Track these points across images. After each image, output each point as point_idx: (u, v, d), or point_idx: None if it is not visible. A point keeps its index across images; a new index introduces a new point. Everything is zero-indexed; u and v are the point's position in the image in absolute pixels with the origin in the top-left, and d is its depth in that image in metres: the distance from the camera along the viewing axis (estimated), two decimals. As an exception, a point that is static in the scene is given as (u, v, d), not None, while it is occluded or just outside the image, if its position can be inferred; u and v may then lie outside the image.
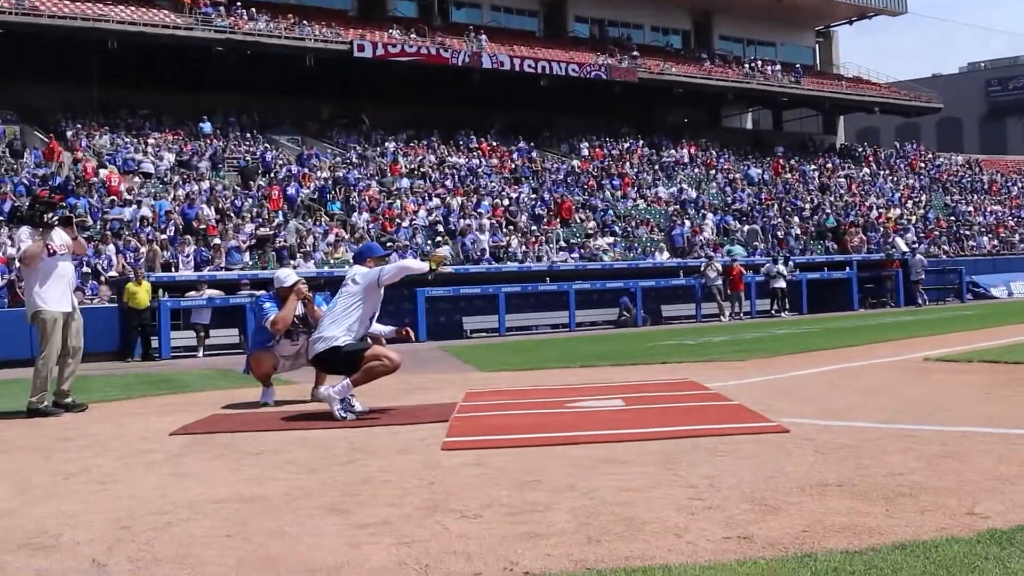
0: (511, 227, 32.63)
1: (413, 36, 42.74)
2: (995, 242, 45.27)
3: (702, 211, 39.24)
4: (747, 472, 5.18)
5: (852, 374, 10.60)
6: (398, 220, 31.04)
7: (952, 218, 47.87)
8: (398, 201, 32.83)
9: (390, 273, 8.47)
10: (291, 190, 31.61)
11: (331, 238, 28.15)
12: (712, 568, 3.44)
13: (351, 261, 9.95)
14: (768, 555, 3.60)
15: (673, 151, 47.38)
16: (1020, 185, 58.85)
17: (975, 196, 53.51)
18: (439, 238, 30.11)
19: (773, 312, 29.76)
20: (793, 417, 7.06)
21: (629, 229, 35.70)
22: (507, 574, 3.54)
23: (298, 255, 26.09)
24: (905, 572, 3.30)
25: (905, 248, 37.82)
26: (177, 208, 28.03)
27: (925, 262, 33.73)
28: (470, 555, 3.79)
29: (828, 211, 42.82)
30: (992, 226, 47.67)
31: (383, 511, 4.64)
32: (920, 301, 32.67)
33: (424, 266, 8.65)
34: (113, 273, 23.45)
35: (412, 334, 9.13)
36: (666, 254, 33.39)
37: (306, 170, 33.95)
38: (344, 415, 8.05)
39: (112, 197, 28.05)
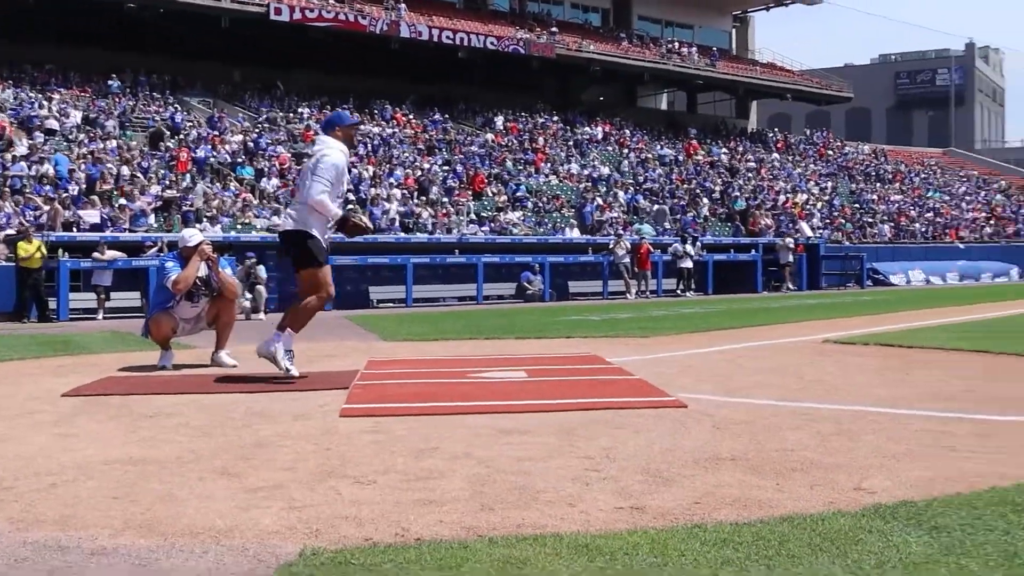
0: (422, 198, 32.48)
1: (332, 2, 42.20)
2: (896, 231, 46.27)
3: (613, 189, 39.45)
4: (644, 445, 5.23)
5: (753, 354, 10.75)
6: (308, 187, 30.66)
7: (856, 205, 48.81)
8: (309, 168, 32.44)
9: (311, 184, 8.15)
10: (201, 153, 31.07)
11: (239, 203, 27.80)
12: (603, 537, 3.46)
13: (319, 131, 9.56)
14: (659, 525, 3.63)
15: (587, 128, 47.52)
16: (923, 176, 60.25)
17: (879, 185, 54.62)
18: (350, 206, 29.81)
19: (679, 292, 30.08)
20: (693, 393, 7.14)
21: (540, 204, 35.75)
22: (398, 540, 3.52)
23: (204, 219, 25.70)
24: (792, 544, 3.35)
25: (809, 233, 38.47)
26: (81, 167, 27.39)
27: (792, 245, 33.62)
28: (362, 520, 3.77)
29: (737, 194, 43.35)
30: (894, 215, 48.70)
31: (276, 475, 4.60)
32: (785, 287, 32.54)
33: (337, 213, 8.31)
34: (11, 231, 22.84)
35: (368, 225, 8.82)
36: (576, 230, 33.51)
37: (216, 133, 33.40)
38: (289, 367, 7.98)
39: (11, 153, 27.31)
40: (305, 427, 5.96)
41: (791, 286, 32.56)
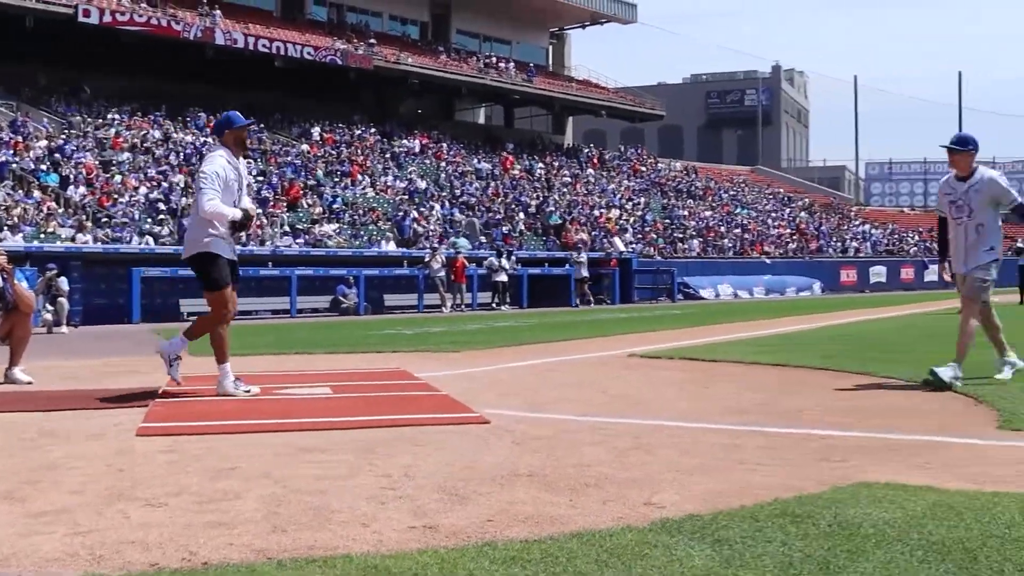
0: (236, 209, 31.88)
1: (143, 5, 41.07)
2: (705, 246, 47.73)
3: (430, 202, 39.52)
4: (444, 462, 5.23)
5: (561, 368, 10.90)
6: (116, 195, 29.80)
7: (668, 221, 50.13)
8: (118, 176, 31.51)
9: (198, 198, 8.01)
10: (2, 158, 29.77)
11: (43, 211, 26.78)
12: (393, 557, 3.44)
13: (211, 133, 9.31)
14: (450, 544, 3.64)
15: (405, 141, 47.51)
16: (732, 193, 62.36)
17: (691, 201, 56.25)
18: (160, 216, 29.15)
19: (494, 305, 30.34)
20: (497, 408, 7.19)
21: (356, 217, 35.55)
22: (185, 564, 3.43)
23: (4, 227, 24.65)
24: (579, 560, 3.40)
25: (622, 247, 39.28)
26: None
27: (584, 259, 34.03)
28: (148, 545, 3.66)
29: (552, 209, 43.97)
30: (704, 230, 50.21)
31: (63, 499, 4.44)
32: (579, 302, 32.99)
33: (236, 213, 8.12)
34: None
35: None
36: (392, 243, 33.45)
37: (19, 138, 32.07)
38: (244, 389, 8.12)
39: None
40: (99, 447, 5.78)
41: (579, 301, 33.02)
